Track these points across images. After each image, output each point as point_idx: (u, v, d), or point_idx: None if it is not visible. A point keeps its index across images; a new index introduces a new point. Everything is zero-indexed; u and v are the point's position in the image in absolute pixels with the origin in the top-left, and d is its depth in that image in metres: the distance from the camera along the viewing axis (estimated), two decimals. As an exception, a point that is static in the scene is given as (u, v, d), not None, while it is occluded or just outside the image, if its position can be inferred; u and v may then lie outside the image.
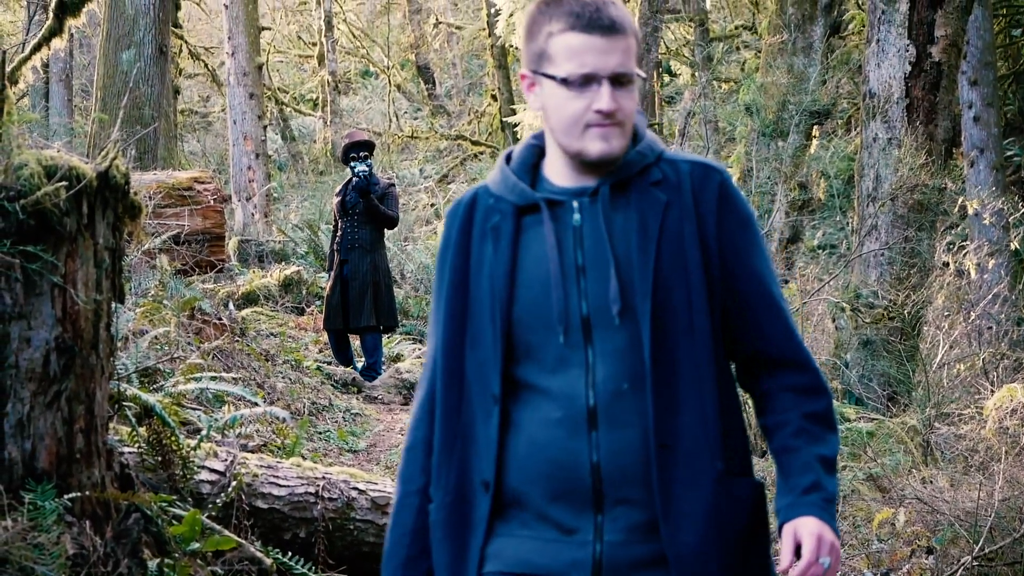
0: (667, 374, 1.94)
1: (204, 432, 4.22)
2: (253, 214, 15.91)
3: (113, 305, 3.03)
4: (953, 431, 6.41)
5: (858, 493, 5.60)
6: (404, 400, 8.17)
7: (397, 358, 9.65)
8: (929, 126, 7.93)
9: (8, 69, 7.24)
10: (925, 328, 8.17)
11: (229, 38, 16.50)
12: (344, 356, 8.80)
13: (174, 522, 3.48)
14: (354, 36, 25.17)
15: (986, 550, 4.42)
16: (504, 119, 19.60)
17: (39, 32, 8.66)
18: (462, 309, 2.05)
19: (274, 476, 4.14)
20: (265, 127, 17.35)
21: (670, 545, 1.92)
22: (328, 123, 20.25)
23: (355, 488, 4.24)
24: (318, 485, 4.17)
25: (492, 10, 18.32)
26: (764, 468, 5.67)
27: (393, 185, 8.86)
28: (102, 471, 3.00)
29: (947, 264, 8.79)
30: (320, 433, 6.66)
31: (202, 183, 8.98)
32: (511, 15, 13.07)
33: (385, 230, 8.80)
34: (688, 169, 2.03)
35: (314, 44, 23.27)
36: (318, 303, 10.98)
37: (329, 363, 8.72)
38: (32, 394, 2.79)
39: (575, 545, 1.94)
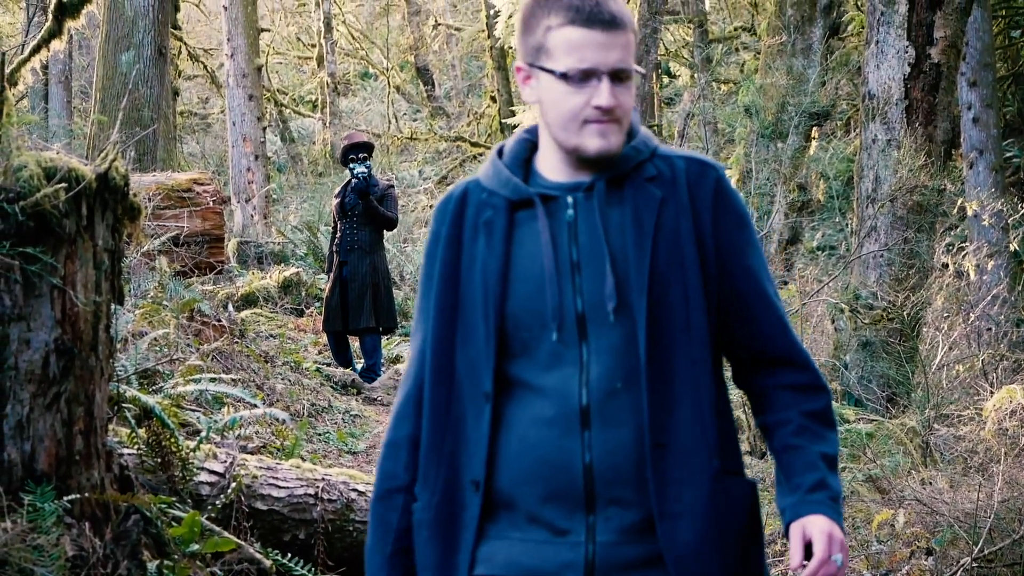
0: (663, 372, 1.92)
1: (203, 434, 4.22)
2: (252, 216, 15.90)
3: (112, 307, 3.02)
4: (952, 432, 6.41)
5: (857, 494, 5.60)
6: (404, 402, 8.15)
7: (396, 359, 9.65)
8: (928, 127, 7.93)
9: (7, 71, 7.23)
10: (924, 329, 8.18)
11: (228, 40, 16.50)
12: (343, 357, 8.80)
13: (173, 524, 3.48)
14: (353, 38, 25.18)
15: (985, 551, 4.41)
16: (503, 120, 19.62)
17: (38, 34, 8.67)
18: (452, 304, 2.01)
19: (273, 478, 4.14)
20: (264, 128, 17.35)
21: (668, 545, 1.89)
22: (327, 124, 20.24)
23: (354, 490, 4.24)
24: (317, 487, 4.16)
25: (491, 12, 18.34)
26: (764, 470, 5.68)
27: (392, 186, 8.87)
28: (101, 473, 3.00)
29: (946, 265, 8.79)
30: (319, 434, 6.66)
31: (201, 185, 8.97)
32: (510, 16, 13.08)
33: (384, 231, 8.81)
34: (683, 165, 2.01)
35: (313, 45, 23.27)
36: (317, 305, 10.99)
37: (328, 364, 8.72)
38: (31, 396, 2.79)
39: (567, 546, 1.91)
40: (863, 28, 10.42)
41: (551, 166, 2.01)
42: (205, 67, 20.63)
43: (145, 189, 8.40)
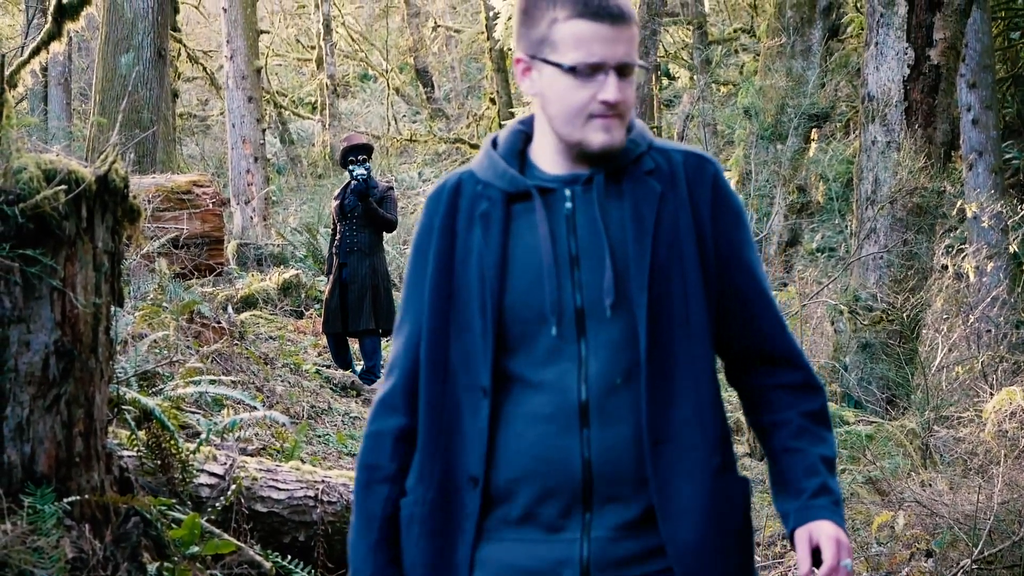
0: (662, 367, 1.90)
1: (203, 436, 4.22)
2: (252, 217, 15.91)
3: (112, 309, 3.02)
4: (952, 434, 6.41)
5: (857, 496, 5.60)
6: (403, 403, 8.16)
7: (396, 361, 9.63)
8: (928, 129, 7.94)
9: (7, 73, 7.24)
10: (924, 331, 8.18)
11: (228, 42, 16.51)
12: (343, 359, 8.80)
13: (173, 526, 3.48)
14: (353, 39, 25.20)
15: (985, 553, 4.41)
16: (503, 122, 19.62)
17: (38, 36, 8.67)
18: (447, 296, 1.96)
19: (273, 480, 4.13)
20: (264, 130, 17.35)
21: (671, 543, 1.88)
22: (327, 126, 20.25)
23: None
24: (317, 488, 4.16)
25: (491, 14, 18.35)
26: (763, 472, 5.67)
27: (392, 188, 8.87)
28: (101, 475, 3.00)
29: (946, 267, 8.79)
30: (319, 436, 6.66)
31: (201, 187, 8.98)
32: (509, 18, 13.09)
33: (384, 233, 8.81)
34: (681, 159, 1.98)
35: (313, 47, 23.28)
36: (317, 307, 10.99)
37: (328, 367, 8.72)
38: (31, 398, 2.79)
39: (562, 543, 1.89)
40: (862, 30, 10.42)
41: (547, 158, 1.97)
42: (204, 69, 20.64)
43: (145, 191, 8.41)
